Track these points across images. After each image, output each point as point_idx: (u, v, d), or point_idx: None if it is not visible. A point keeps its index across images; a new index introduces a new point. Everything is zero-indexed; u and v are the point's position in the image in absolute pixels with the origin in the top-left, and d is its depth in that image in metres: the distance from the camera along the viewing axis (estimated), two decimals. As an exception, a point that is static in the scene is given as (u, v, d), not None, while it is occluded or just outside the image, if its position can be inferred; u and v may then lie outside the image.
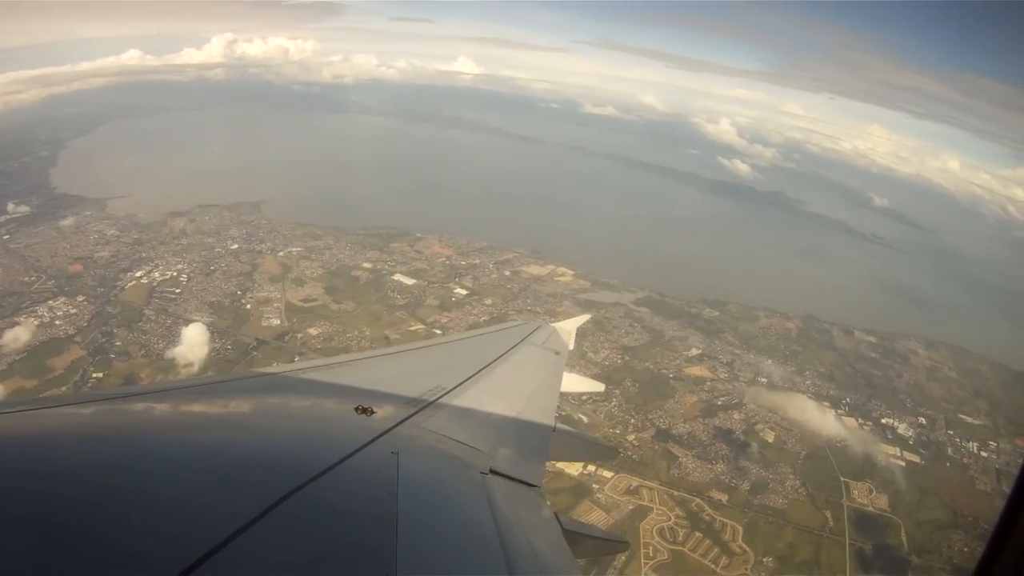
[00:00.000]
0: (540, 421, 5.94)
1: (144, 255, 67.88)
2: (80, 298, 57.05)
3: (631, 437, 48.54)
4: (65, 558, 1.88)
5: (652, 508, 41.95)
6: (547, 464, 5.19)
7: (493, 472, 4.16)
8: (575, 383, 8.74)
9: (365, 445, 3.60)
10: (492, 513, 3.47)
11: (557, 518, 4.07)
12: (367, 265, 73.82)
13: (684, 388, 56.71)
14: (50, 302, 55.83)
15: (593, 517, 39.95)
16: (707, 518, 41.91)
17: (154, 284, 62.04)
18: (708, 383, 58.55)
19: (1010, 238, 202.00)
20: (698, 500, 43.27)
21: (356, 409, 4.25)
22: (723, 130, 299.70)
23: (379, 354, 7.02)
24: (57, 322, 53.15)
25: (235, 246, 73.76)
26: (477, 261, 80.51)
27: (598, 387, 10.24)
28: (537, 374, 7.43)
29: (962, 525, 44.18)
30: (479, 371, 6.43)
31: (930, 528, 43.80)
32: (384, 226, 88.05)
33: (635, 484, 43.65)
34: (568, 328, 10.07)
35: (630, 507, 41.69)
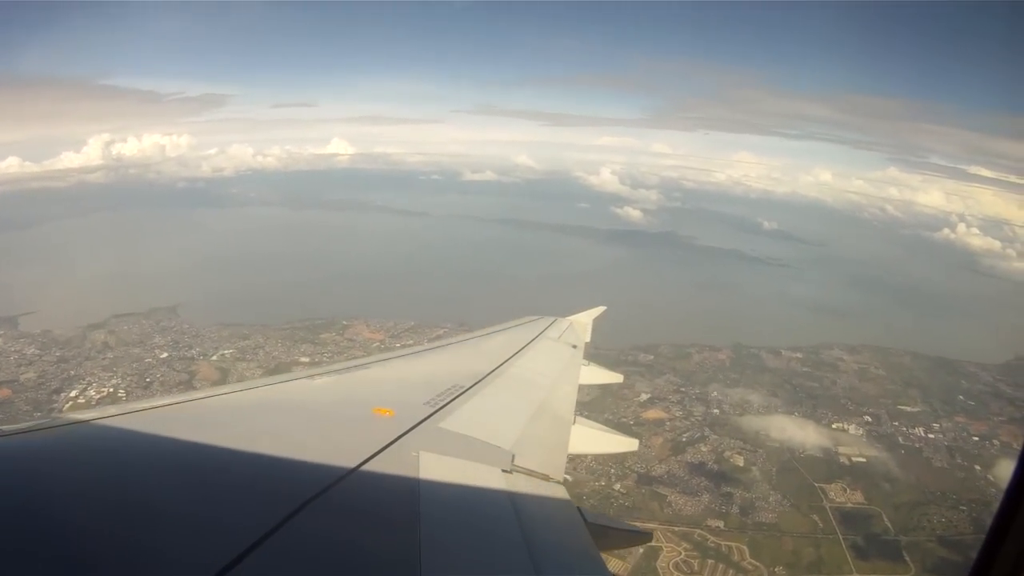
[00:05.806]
0: (560, 415, 6.17)
1: (73, 372, 65.25)
2: (18, 426, 54.00)
3: (617, 486, 51.48)
4: (105, 565, 2.17)
5: (661, 547, 44.80)
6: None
7: (514, 469, 4.33)
8: (593, 375, 8.94)
9: (385, 447, 3.85)
10: (515, 510, 3.63)
11: (580, 512, 4.18)
12: (305, 359, 73.21)
13: (648, 432, 59.90)
14: (-15, 434, 52.54)
15: (611, 567, 42.49)
16: (712, 545, 45.37)
17: (92, 403, 59.05)
18: (667, 423, 62.23)
19: (895, 236, 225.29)
20: (699, 531, 46.68)
21: (375, 411, 4.58)
22: (606, 180, 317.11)
23: (395, 356, 7.37)
24: (3, 456, 50.10)
25: (164, 354, 71.95)
26: (411, 341, 79.51)
27: (617, 378, 10.28)
28: (555, 368, 7.75)
29: (933, 500, 49.91)
30: (496, 368, 6.73)
31: (907, 509, 49.03)
32: (307, 318, 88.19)
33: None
34: (584, 321, 10.70)
35: (641, 550, 44.51)
